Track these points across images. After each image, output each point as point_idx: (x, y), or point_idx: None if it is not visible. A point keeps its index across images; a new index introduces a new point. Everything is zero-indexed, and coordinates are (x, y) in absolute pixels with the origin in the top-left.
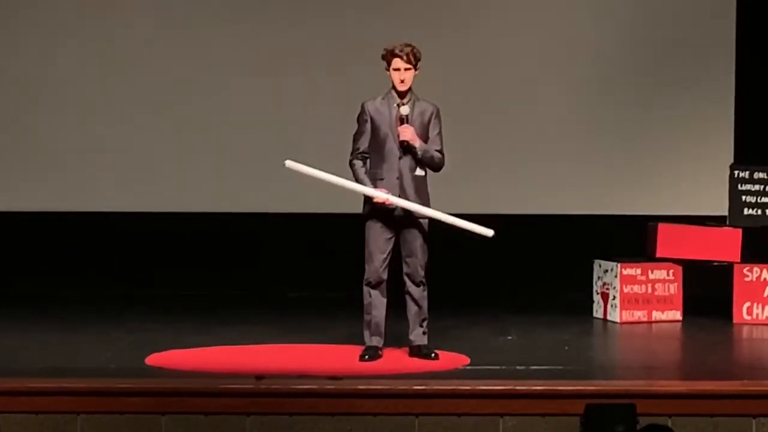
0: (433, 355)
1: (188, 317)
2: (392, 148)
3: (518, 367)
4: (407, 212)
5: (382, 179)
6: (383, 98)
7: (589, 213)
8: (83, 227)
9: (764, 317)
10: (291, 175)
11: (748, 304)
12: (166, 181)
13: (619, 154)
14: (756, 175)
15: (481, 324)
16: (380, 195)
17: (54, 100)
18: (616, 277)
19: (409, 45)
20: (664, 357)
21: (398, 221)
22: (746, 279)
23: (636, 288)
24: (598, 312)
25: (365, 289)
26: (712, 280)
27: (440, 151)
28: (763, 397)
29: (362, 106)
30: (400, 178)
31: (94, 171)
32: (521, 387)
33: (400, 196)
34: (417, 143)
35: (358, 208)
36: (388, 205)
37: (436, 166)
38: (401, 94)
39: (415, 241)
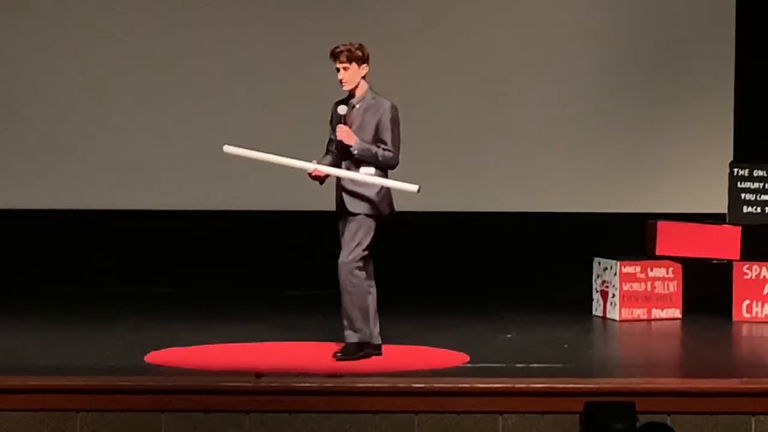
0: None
1: (187, 315)
2: (333, 148)
3: (518, 365)
4: (348, 206)
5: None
6: (342, 98)
7: (589, 211)
8: (82, 225)
9: (764, 315)
10: (291, 172)
11: (747, 301)
12: (165, 179)
13: (618, 151)
14: (756, 173)
15: (481, 322)
16: (308, 166)
17: (53, 99)
18: (615, 275)
19: (347, 44)
20: (664, 355)
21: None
22: (746, 277)
23: (635, 286)
24: (597, 310)
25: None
26: (712, 278)
27: (390, 150)
28: (763, 394)
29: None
30: (338, 178)
31: (94, 169)
32: (521, 385)
33: (341, 194)
34: (351, 142)
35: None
36: (316, 175)
37: (383, 164)
38: (351, 94)
39: (345, 235)
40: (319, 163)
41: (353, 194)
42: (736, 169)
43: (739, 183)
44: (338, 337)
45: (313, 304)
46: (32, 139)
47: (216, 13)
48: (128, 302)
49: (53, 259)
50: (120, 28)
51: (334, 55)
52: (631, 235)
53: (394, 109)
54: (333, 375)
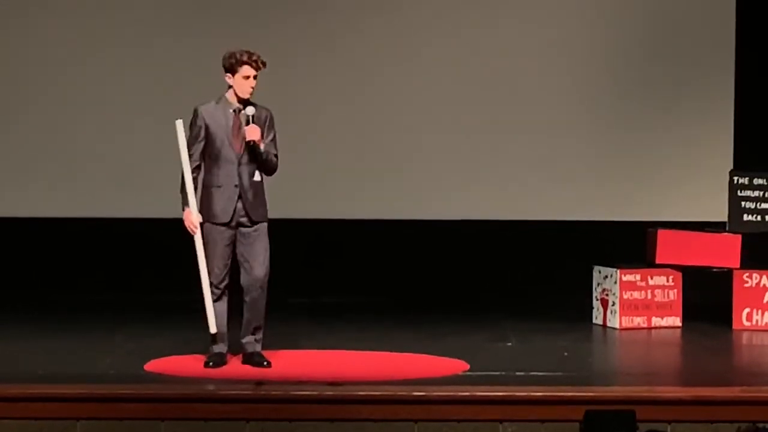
0: (265, 363)
1: (187, 323)
2: (229, 155)
3: (517, 373)
4: (252, 216)
5: (219, 186)
6: (216, 103)
7: (589, 219)
8: (83, 233)
9: (764, 323)
10: (291, 180)
11: (747, 310)
12: (167, 187)
13: (618, 160)
14: (755, 181)
15: (481, 330)
16: (191, 225)
17: (54, 108)
18: (615, 283)
19: (255, 52)
20: (664, 363)
21: (239, 226)
22: (746, 285)
23: (635, 294)
24: (597, 318)
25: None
26: (712, 286)
27: (276, 155)
28: (763, 403)
29: (196, 111)
30: (240, 185)
31: (94, 177)
32: (520, 393)
33: (241, 203)
34: (262, 145)
35: (355, 214)
36: (190, 230)
37: (271, 169)
38: (242, 102)
39: (257, 245)
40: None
41: (259, 201)
42: (736, 178)
43: (739, 191)
44: (339, 344)
45: (313, 312)
46: (34, 147)
47: (216, 20)
48: (128, 310)
49: (53, 267)
50: (120, 35)
51: (248, 63)
52: (631, 244)
53: (272, 115)
54: (333, 383)
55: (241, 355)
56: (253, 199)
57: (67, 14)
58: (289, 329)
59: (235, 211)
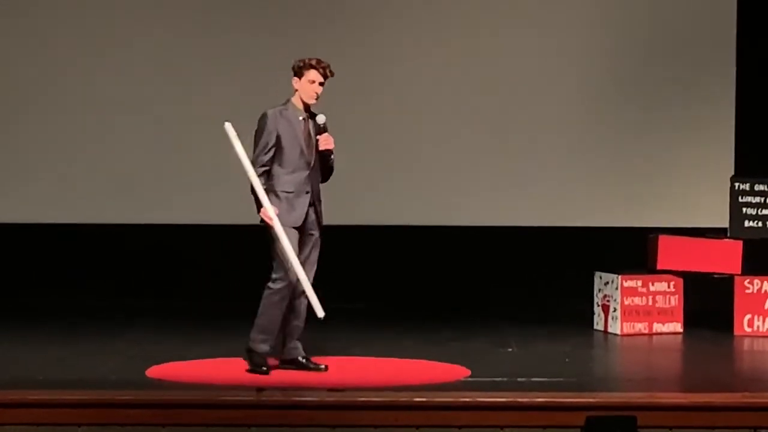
0: (323, 367)
1: (189, 329)
2: (301, 162)
3: (519, 379)
4: (321, 222)
5: (290, 192)
6: (286, 109)
7: (590, 225)
8: (84, 239)
9: (765, 329)
10: None
11: (748, 316)
12: (169, 193)
13: (619, 166)
14: (756, 188)
15: (482, 336)
16: (271, 216)
17: (55, 114)
18: (616, 289)
19: (325, 61)
20: (665, 369)
21: (307, 232)
22: (747, 291)
23: (637, 300)
24: (598, 324)
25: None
26: (713, 293)
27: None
28: (764, 409)
29: (266, 116)
30: (311, 192)
31: (97, 182)
32: (522, 399)
33: (312, 210)
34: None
35: (355, 220)
36: (267, 222)
37: (329, 176)
38: (307, 107)
39: (316, 252)
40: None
41: (321, 207)
42: (737, 184)
43: (740, 197)
44: (340, 350)
45: (315, 318)
46: (37, 152)
47: (216, 28)
48: (130, 316)
49: (55, 273)
50: (120, 41)
51: (316, 68)
52: (632, 250)
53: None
54: (334, 389)
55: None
56: (320, 205)
57: (70, 18)
58: None
59: (306, 216)
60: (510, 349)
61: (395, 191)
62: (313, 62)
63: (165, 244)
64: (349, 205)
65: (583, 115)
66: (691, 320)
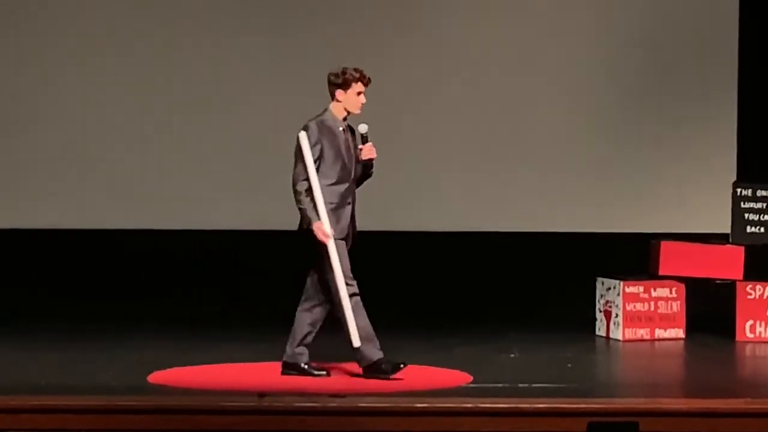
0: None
1: (190, 335)
2: (345, 173)
3: (521, 385)
4: (356, 231)
5: (334, 203)
6: (323, 121)
7: (592, 231)
8: (86, 244)
9: (767, 335)
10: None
11: (750, 322)
12: (170, 198)
13: (621, 172)
14: (759, 193)
15: (484, 341)
16: (324, 235)
17: (58, 119)
18: (618, 294)
19: (363, 70)
20: (667, 375)
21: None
22: (749, 297)
23: (639, 306)
24: (600, 330)
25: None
26: (715, 298)
27: None
28: (766, 415)
29: (309, 128)
30: (353, 202)
31: (98, 188)
32: (524, 405)
33: (354, 221)
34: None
35: (360, 226)
36: (322, 240)
37: (361, 184)
38: (344, 117)
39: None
40: (307, 202)
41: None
42: (739, 189)
43: (742, 203)
44: (341, 357)
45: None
46: (39, 158)
47: (217, 34)
48: (131, 322)
49: (56, 278)
50: (121, 47)
51: (363, 79)
52: (634, 255)
53: None
54: (336, 395)
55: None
56: (355, 213)
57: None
58: None
59: (349, 226)
60: (512, 355)
61: (398, 197)
62: (358, 74)
63: (167, 250)
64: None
65: (585, 122)
66: (692, 326)
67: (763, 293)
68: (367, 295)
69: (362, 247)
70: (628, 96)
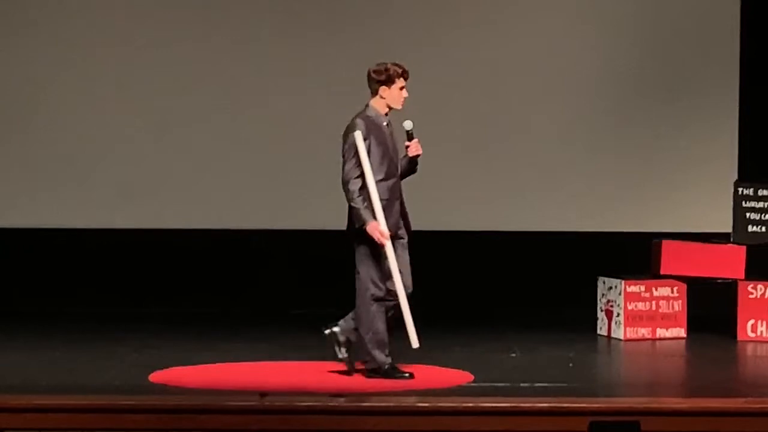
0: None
1: (192, 334)
2: (392, 169)
3: (522, 384)
4: (410, 228)
5: (385, 200)
6: (369, 117)
7: (593, 230)
8: (88, 244)
9: None
10: (296, 191)
11: (752, 321)
12: (171, 198)
13: (623, 171)
14: (760, 192)
15: (485, 341)
16: (381, 236)
17: (60, 118)
18: (620, 294)
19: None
20: (668, 374)
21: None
22: (750, 296)
23: (640, 305)
24: (602, 329)
25: (374, 305)
26: (716, 298)
27: None
28: (767, 415)
29: (356, 126)
30: (400, 198)
31: (99, 187)
32: (525, 404)
33: (402, 217)
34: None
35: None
36: (380, 241)
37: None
38: (386, 113)
39: (407, 257)
40: (360, 201)
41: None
42: (740, 189)
43: (743, 202)
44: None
45: (317, 323)
46: (34, 157)
47: (219, 33)
48: (133, 321)
49: (58, 278)
50: (123, 46)
51: (405, 74)
52: (635, 255)
53: None
54: (337, 394)
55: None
56: (404, 209)
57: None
58: (292, 341)
59: (398, 223)
60: (513, 354)
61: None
62: (400, 70)
63: (169, 250)
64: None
65: (586, 122)
66: (694, 325)
67: (764, 293)
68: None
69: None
70: (630, 96)
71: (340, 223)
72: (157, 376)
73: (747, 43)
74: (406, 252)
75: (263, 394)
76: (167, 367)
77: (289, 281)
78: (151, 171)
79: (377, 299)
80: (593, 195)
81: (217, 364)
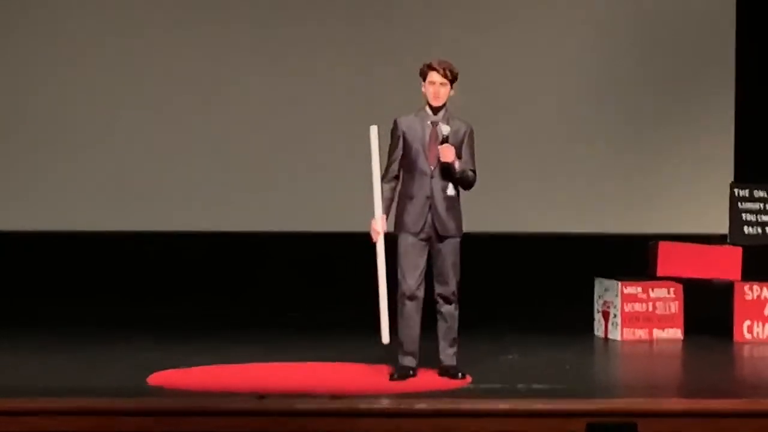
0: (460, 375)
1: (190, 336)
2: (424, 167)
3: (519, 386)
4: (439, 230)
5: (412, 197)
6: (416, 115)
7: (590, 231)
8: (84, 247)
9: (765, 336)
10: (293, 194)
11: (748, 322)
12: (171, 202)
13: (620, 173)
14: (756, 194)
15: (483, 343)
16: (376, 231)
17: (60, 121)
18: (617, 295)
19: (447, 61)
20: (665, 375)
21: (430, 238)
22: (747, 297)
23: (637, 306)
24: (599, 330)
25: (399, 305)
26: (713, 299)
27: (473, 171)
28: (764, 415)
29: (395, 123)
30: (431, 197)
31: (100, 191)
32: (522, 406)
33: (431, 216)
34: (457, 164)
35: (357, 227)
36: (372, 237)
37: (468, 185)
38: (434, 111)
39: (446, 260)
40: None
41: (450, 215)
42: (736, 190)
43: (739, 204)
44: (340, 357)
45: (315, 326)
46: (39, 161)
47: (220, 35)
48: (130, 324)
49: (54, 281)
50: (123, 47)
51: (433, 68)
52: (632, 256)
53: (472, 130)
54: (335, 396)
55: (438, 369)
56: (444, 212)
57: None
58: (289, 343)
59: (425, 223)
60: (510, 356)
61: None
62: (433, 63)
63: (168, 252)
64: (350, 212)
65: (583, 124)
66: (691, 326)
67: (760, 294)
68: (366, 298)
69: (362, 248)
70: (626, 98)
71: (339, 226)
72: (155, 379)
73: (743, 45)
74: (449, 254)
75: (261, 396)
76: (165, 369)
77: (288, 283)
78: (150, 174)
79: (404, 296)
80: (590, 197)
81: (216, 366)
